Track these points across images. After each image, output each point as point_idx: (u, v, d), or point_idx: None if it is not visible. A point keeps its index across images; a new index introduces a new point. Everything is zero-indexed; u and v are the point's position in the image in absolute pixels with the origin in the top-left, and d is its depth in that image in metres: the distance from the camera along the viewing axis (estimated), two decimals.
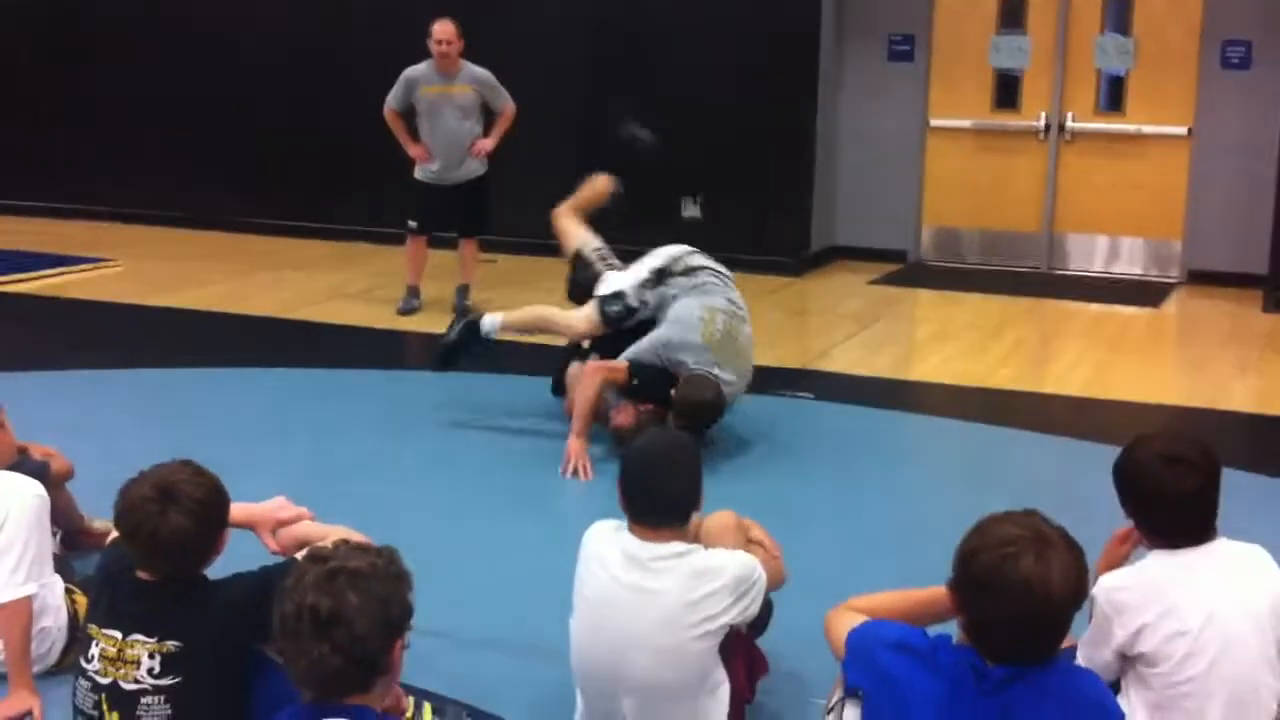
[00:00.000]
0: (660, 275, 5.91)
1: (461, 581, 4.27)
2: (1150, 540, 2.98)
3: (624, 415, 5.66)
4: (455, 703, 3.46)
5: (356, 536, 2.93)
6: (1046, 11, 10.04)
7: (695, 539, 3.28)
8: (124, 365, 7.05)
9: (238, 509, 3.01)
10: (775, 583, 3.39)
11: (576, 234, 6.39)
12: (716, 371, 5.60)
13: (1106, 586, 2.89)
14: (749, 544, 3.41)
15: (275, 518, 3.18)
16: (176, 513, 2.74)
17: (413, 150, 8.31)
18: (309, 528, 3.17)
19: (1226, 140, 9.59)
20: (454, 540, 4.76)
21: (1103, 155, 10.09)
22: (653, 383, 5.64)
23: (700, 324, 5.67)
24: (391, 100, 8.28)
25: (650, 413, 5.61)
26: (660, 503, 3.13)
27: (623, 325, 5.87)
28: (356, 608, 2.20)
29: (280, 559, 3.07)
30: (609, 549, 3.15)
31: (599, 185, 6.57)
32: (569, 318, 6.09)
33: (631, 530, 3.15)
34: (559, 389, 6.41)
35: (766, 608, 3.52)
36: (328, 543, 2.42)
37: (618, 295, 5.89)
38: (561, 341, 6.44)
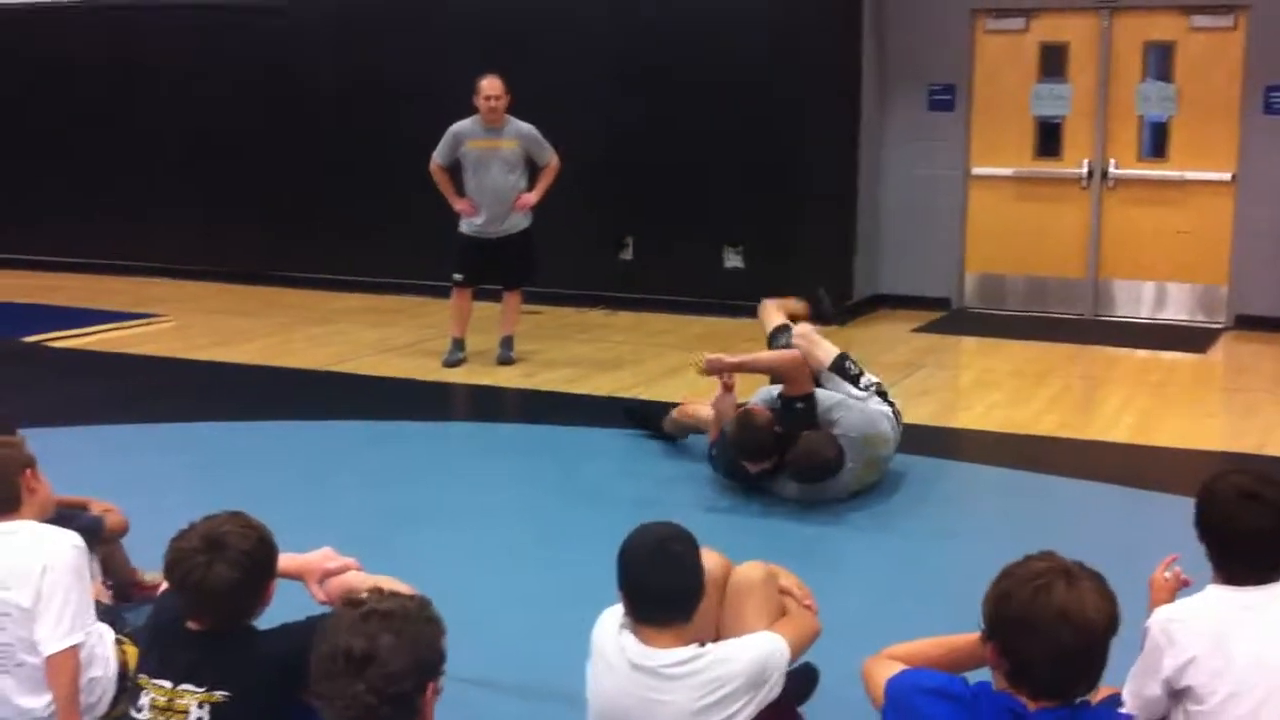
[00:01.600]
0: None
1: (503, 631, 4.29)
2: (1216, 572, 2.97)
3: (756, 412, 5.79)
4: None
5: (401, 587, 2.96)
6: (1087, 60, 10.06)
7: (721, 595, 3.20)
8: (175, 419, 7.16)
9: (286, 559, 3.05)
10: (807, 636, 3.24)
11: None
12: (851, 461, 5.69)
13: (1162, 617, 2.88)
14: (780, 594, 3.32)
15: (323, 568, 3.22)
16: (222, 564, 2.79)
17: (458, 205, 8.42)
18: (356, 578, 3.21)
19: (1271, 185, 9.55)
20: (497, 590, 4.79)
21: (1146, 202, 10.06)
22: (803, 415, 5.78)
23: (877, 428, 5.83)
24: (438, 155, 8.41)
25: (767, 422, 5.73)
26: (662, 601, 2.94)
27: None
28: (389, 647, 2.27)
29: (327, 609, 3.10)
30: (614, 652, 2.98)
31: (792, 306, 6.70)
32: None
33: (636, 632, 2.97)
34: (645, 420, 6.61)
35: (809, 678, 3.48)
36: (363, 591, 2.47)
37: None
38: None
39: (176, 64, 11.59)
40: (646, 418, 6.81)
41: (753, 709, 2.95)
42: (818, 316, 6.80)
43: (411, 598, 2.41)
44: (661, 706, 2.92)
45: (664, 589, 2.94)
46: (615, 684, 2.97)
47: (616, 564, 3.00)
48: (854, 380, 6.00)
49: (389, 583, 3.06)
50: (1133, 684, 2.92)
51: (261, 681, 2.82)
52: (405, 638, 2.29)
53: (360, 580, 3.20)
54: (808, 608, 3.34)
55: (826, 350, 6.11)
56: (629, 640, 2.96)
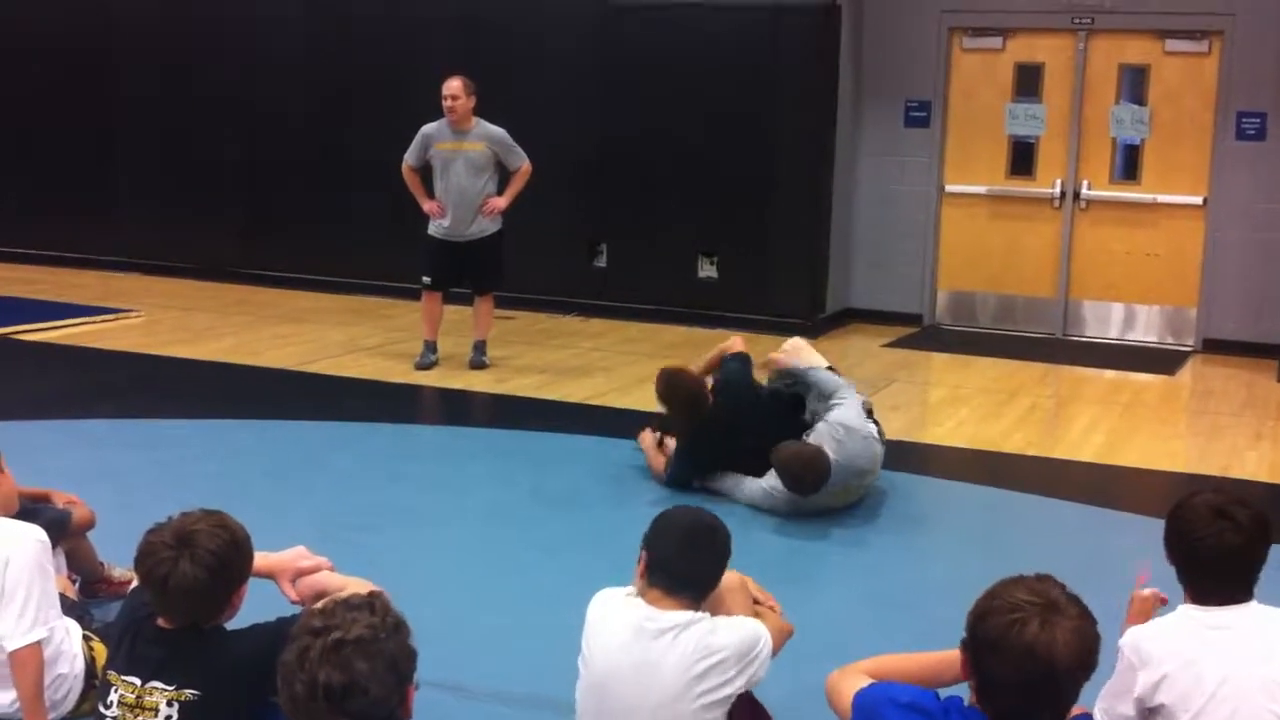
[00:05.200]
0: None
1: (474, 633, 4.29)
2: (1187, 592, 2.99)
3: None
4: None
5: (369, 588, 2.96)
6: (1062, 80, 10.14)
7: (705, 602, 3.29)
8: (143, 415, 7.11)
9: (258, 558, 3.04)
10: (784, 632, 3.41)
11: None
12: (834, 450, 5.69)
13: (1134, 637, 2.90)
14: (755, 605, 3.43)
15: (295, 567, 3.21)
16: (188, 562, 2.77)
17: (426, 206, 8.39)
18: (328, 578, 3.20)
19: (1241, 210, 9.65)
20: (467, 591, 4.78)
21: (1118, 223, 10.14)
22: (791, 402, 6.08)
23: (872, 464, 5.91)
24: (409, 157, 8.39)
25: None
26: (685, 579, 3.16)
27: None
28: (369, 674, 2.22)
29: (298, 608, 3.09)
30: (615, 619, 3.16)
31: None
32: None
33: (645, 596, 3.17)
34: None
35: None
36: (330, 600, 2.43)
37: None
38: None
39: (148, 57, 11.52)
40: None
41: (738, 685, 3.09)
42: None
43: (373, 608, 2.33)
44: (657, 671, 3.05)
45: (691, 568, 3.18)
46: (614, 650, 3.11)
47: (651, 529, 3.22)
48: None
49: (359, 584, 3.06)
50: (1104, 703, 2.95)
51: (231, 681, 2.81)
52: (382, 659, 2.24)
53: (331, 580, 3.19)
54: (776, 613, 3.48)
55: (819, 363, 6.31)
56: (636, 604, 3.15)
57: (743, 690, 3.12)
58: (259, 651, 2.79)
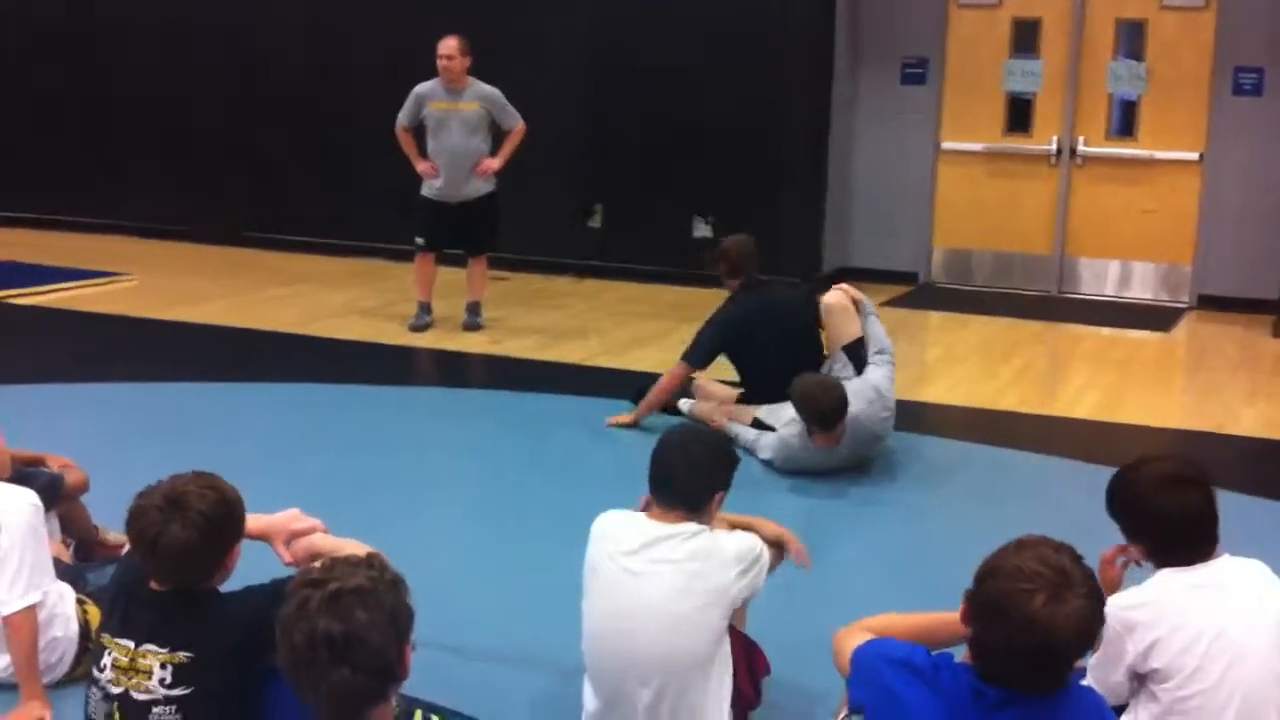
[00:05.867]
0: None
1: (471, 595, 4.30)
2: (1155, 559, 3.01)
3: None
4: (455, 714, 3.47)
5: (368, 550, 2.95)
6: (1059, 36, 10.08)
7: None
8: (139, 379, 7.10)
9: (251, 520, 3.04)
10: (776, 558, 3.48)
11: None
12: (861, 411, 5.72)
13: (1118, 606, 2.90)
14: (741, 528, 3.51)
15: (289, 529, 3.20)
16: (179, 524, 2.76)
17: (420, 167, 8.33)
18: (322, 540, 3.19)
19: (1238, 166, 9.61)
20: (465, 553, 4.79)
21: (1114, 180, 10.11)
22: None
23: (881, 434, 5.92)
24: (402, 117, 8.33)
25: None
26: (680, 492, 3.26)
27: None
28: (368, 624, 2.22)
29: (292, 570, 3.09)
30: (621, 531, 3.26)
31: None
32: None
33: (648, 511, 3.30)
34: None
35: None
36: (318, 562, 2.42)
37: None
38: None
39: (146, 22, 11.42)
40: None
41: (739, 587, 3.19)
42: None
43: (370, 564, 2.34)
44: (660, 573, 3.15)
45: (687, 480, 3.28)
46: (619, 558, 3.21)
47: (653, 451, 3.34)
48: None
49: (354, 546, 3.06)
50: (1094, 674, 2.94)
51: (225, 644, 2.81)
52: (381, 610, 2.25)
53: (325, 542, 3.19)
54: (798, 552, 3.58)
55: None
56: (640, 518, 3.28)
57: (742, 594, 3.21)
58: (254, 613, 2.79)
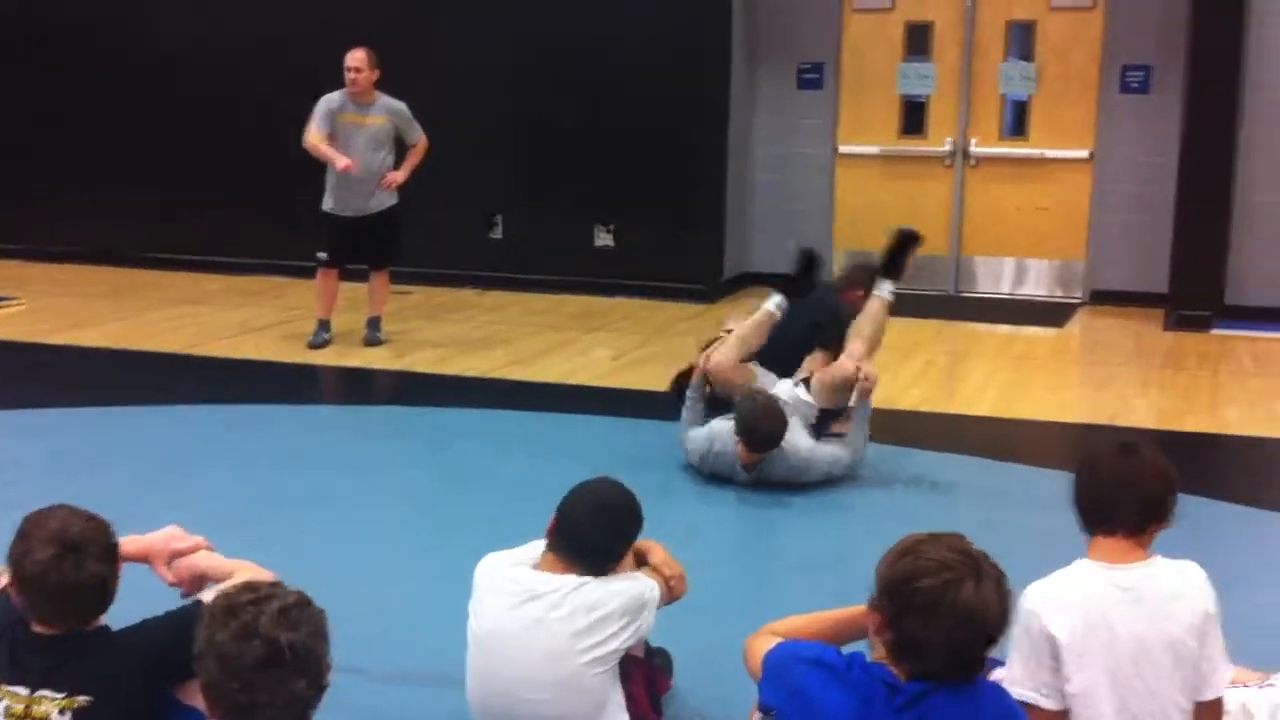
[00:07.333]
0: None
1: (375, 614, 4.21)
2: (1095, 537, 2.94)
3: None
4: None
5: (263, 573, 2.88)
6: (951, 39, 10.22)
7: None
8: (26, 405, 6.89)
9: (129, 542, 2.94)
10: (668, 599, 3.39)
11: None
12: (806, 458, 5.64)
13: (1036, 596, 2.86)
14: (647, 569, 3.41)
15: (170, 548, 3.08)
16: (73, 564, 2.65)
17: (341, 164, 7.93)
18: (208, 560, 3.10)
19: (1127, 163, 9.82)
20: (369, 572, 4.71)
21: (1007, 180, 10.28)
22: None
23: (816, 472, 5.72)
24: (317, 126, 8.05)
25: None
26: (584, 548, 3.19)
27: None
28: (317, 636, 2.25)
29: (178, 591, 3.01)
30: (502, 582, 3.18)
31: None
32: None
33: (542, 557, 3.21)
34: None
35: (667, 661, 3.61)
36: (235, 583, 2.37)
37: None
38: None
39: (22, 36, 11.15)
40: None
41: (624, 639, 3.13)
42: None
43: (279, 584, 2.35)
44: (542, 630, 3.09)
45: (592, 539, 3.20)
46: (500, 613, 3.15)
47: (567, 495, 3.25)
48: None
49: (247, 568, 2.98)
50: (1018, 668, 2.87)
51: (126, 682, 2.70)
52: (321, 626, 2.27)
53: (211, 562, 3.09)
54: (672, 577, 3.43)
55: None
56: (525, 570, 3.19)
57: (631, 643, 3.15)
58: (155, 646, 2.70)
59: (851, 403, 5.85)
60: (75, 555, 2.65)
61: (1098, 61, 9.84)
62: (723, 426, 5.69)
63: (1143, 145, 9.73)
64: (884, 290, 6.30)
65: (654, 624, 3.23)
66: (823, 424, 5.96)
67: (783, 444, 5.55)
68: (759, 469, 5.62)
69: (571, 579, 3.14)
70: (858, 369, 5.82)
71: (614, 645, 3.10)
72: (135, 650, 2.74)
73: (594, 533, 3.20)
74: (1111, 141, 9.85)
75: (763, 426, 5.50)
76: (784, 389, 5.88)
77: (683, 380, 6.27)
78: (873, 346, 6.22)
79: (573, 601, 3.11)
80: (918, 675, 2.42)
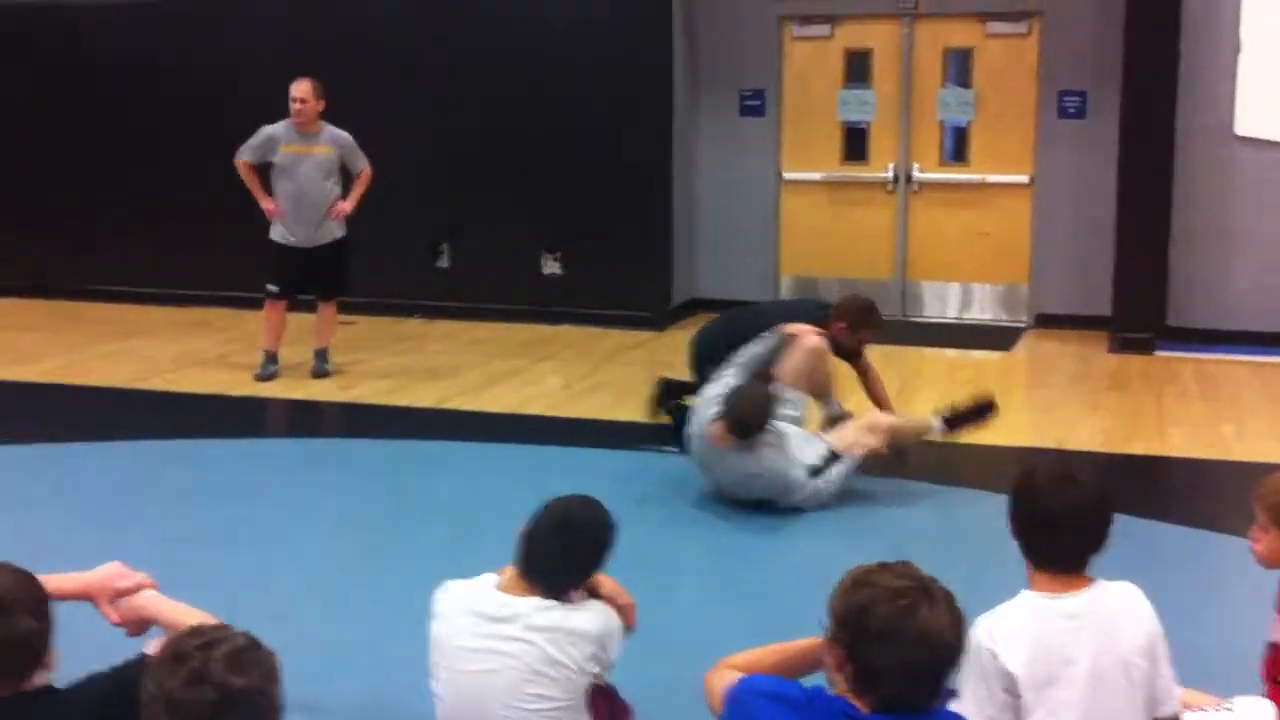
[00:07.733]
0: None
1: (324, 649, 4.17)
2: (1033, 568, 2.96)
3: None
4: None
5: (205, 617, 2.82)
6: (890, 66, 10.32)
7: None
8: None
9: (69, 580, 2.87)
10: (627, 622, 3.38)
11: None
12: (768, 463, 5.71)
13: (986, 628, 2.87)
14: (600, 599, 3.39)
15: (113, 587, 3.01)
16: (19, 618, 2.57)
17: (265, 204, 8.14)
18: (154, 602, 3.03)
19: (1066, 187, 9.94)
20: (317, 607, 4.66)
21: (949, 204, 10.38)
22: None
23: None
24: (246, 152, 8.11)
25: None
26: (544, 569, 3.16)
27: None
28: (268, 678, 2.21)
29: (123, 631, 2.95)
30: (467, 605, 3.16)
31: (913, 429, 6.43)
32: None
33: (505, 581, 3.17)
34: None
35: None
36: (180, 629, 2.33)
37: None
38: None
39: None
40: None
41: (593, 664, 3.12)
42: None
43: (225, 627, 2.29)
44: (511, 653, 3.07)
45: (552, 560, 3.16)
46: (466, 637, 3.12)
47: (535, 512, 3.20)
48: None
49: (193, 614, 2.92)
50: (970, 702, 2.87)
51: None
52: (272, 668, 2.23)
53: (158, 605, 3.03)
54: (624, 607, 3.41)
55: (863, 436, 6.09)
56: (488, 591, 3.16)
57: (596, 670, 3.13)
58: (98, 703, 2.62)
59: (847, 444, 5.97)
60: (3, 615, 2.57)
61: (1035, 87, 9.96)
62: (707, 411, 5.78)
63: (1082, 169, 9.86)
64: (933, 425, 6.38)
65: (617, 655, 3.20)
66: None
67: (762, 460, 5.61)
68: (723, 465, 5.67)
69: (534, 601, 3.11)
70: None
71: (584, 669, 3.09)
72: (82, 707, 2.65)
73: (553, 554, 3.16)
74: (1051, 166, 9.97)
75: (740, 408, 5.58)
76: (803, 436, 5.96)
77: (665, 403, 6.54)
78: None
79: (540, 622, 3.08)
80: (879, 707, 2.42)
